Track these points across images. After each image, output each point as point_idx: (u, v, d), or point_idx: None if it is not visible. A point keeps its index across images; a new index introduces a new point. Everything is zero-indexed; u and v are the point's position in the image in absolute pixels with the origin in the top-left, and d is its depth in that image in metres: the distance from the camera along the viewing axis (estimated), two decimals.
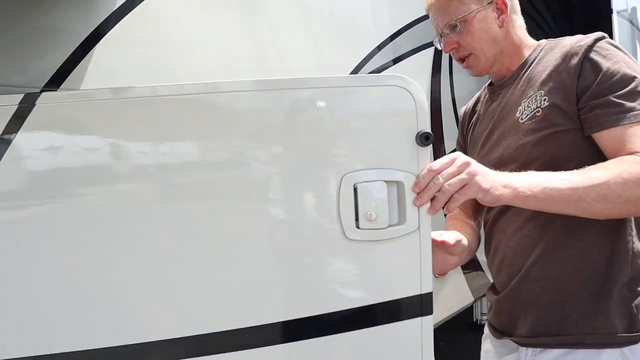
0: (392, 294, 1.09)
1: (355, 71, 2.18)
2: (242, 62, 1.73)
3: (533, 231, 1.24)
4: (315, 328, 1.08)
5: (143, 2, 1.45)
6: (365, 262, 1.10)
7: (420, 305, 1.10)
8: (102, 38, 1.38)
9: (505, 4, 1.32)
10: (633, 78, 1.13)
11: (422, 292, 1.09)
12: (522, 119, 1.24)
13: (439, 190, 1.03)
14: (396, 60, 2.41)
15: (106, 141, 1.05)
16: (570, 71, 1.18)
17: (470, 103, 1.53)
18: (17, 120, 1.01)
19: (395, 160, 1.06)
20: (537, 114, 1.20)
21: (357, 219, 1.07)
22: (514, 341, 1.30)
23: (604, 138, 1.14)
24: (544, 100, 1.20)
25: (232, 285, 1.09)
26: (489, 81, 1.45)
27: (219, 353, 1.06)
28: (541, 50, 1.30)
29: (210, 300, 1.08)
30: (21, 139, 1.01)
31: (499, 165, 1.20)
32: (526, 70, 1.30)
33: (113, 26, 1.41)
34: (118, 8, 1.41)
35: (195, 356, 1.06)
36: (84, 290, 1.03)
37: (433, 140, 1.03)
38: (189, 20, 1.59)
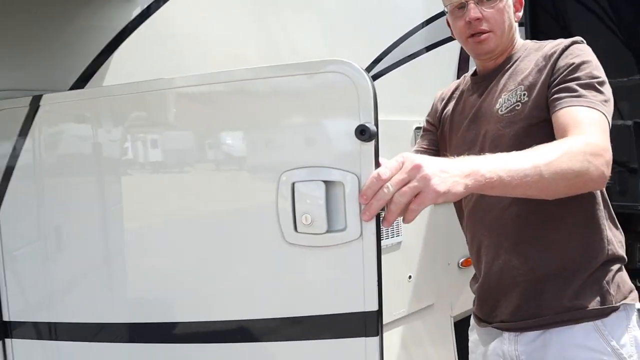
0: (329, 308, 0.97)
1: (373, 65, 2.07)
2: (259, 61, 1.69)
3: (508, 220, 1.29)
4: (239, 333, 1.02)
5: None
6: (303, 269, 0.99)
7: (364, 324, 0.97)
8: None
9: (521, 4, 1.38)
10: (597, 77, 1.21)
11: (366, 310, 0.96)
12: (501, 110, 1.29)
13: (390, 201, 0.90)
14: (429, 48, 2.35)
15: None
16: (547, 67, 1.26)
17: (448, 89, 1.54)
18: None
19: (335, 157, 0.93)
20: (516, 107, 1.27)
21: (295, 222, 0.96)
22: (495, 327, 1.35)
23: (556, 118, 1.18)
24: (524, 95, 1.26)
25: (162, 280, 1.07)
26: (473, 70, 1.47)
27: (138, 342, 1.09)
28: (526, 49, 1.36)
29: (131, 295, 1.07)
30: None
31: (475, 153, 1.20)
32: (510, 66, 1.35)
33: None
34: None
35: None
36: None
37: (373, 135, 0.89)
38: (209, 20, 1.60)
